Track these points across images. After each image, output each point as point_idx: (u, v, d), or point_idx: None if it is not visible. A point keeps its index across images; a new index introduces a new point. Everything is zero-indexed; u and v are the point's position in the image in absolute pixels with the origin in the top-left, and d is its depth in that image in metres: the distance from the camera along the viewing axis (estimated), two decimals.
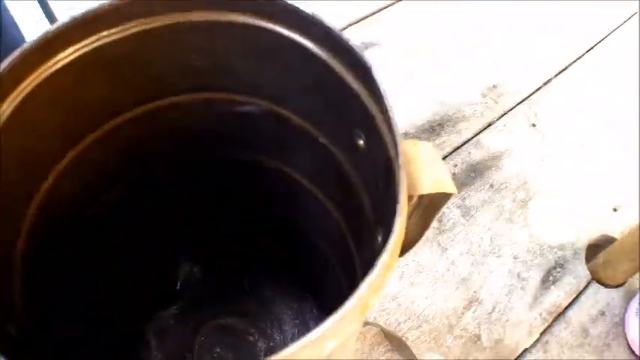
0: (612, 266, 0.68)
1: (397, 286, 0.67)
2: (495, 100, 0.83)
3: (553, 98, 0.84)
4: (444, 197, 0.36)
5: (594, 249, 0.71)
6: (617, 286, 0.69)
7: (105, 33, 0.37)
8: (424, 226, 0.41)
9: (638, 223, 0.63)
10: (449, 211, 0.72)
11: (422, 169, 0.35)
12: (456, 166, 0.76)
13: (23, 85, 0.35)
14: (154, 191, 0.44)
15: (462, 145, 0.77)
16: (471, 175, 0.75)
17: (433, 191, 0.35)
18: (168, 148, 0.43)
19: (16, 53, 0.34)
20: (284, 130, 0.42)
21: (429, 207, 0.38)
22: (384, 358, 0.61)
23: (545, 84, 0.86)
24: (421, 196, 0.36)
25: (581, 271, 0.70)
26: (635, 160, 0.79)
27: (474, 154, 0.77)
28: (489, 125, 0.80)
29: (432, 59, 0.86)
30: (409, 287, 0.67)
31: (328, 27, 0.35)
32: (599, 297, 0.68)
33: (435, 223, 0.71)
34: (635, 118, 0.83)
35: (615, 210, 0.75)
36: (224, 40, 0.39)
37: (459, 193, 0.73)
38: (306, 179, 0.45)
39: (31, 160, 0.36)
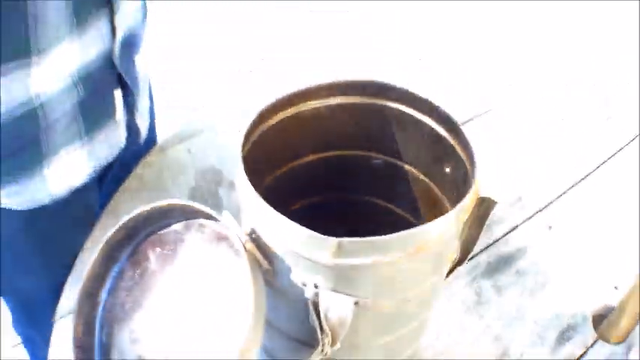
0: (615, 326, 0.91)
1: (445, 340, 0.90)
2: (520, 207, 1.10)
3: (569, 208, 1.11)
4: (492, 203, 0.63)
5: (599, 317, 0.95)
6: (620, 342, 0.93)
7: (302, 105, 0.66)
8: (478, 229, 0.66)
9: (634, 283, 0.88)
10: (485, 290, 0.97)
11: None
12: (490, 257, 1.02)
13: (261, 127, 0.64)
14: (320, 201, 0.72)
15: (494, 242, 1.04)
16: (501, 264, 1.01)
17: (487, 195, 0.61)
18: (327, 182, 0.71)
19: (258, 110, 0.63)
20: (394, 173, 0.70)
21: (483, 210, 0.64)
22: None
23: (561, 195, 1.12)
24: (481, 199, 0.62)
25: (589, 332, 0.94)
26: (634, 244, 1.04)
27: (503, 249, 1.03)
28: (516, 227, 1.07)
29: None
30: (454, 344, 0.90)
31: (435, 105, 0.64)
32: (606, 349, 0.92)
33: (474, 297, 0.95)
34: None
35: (616, 288, 1.00)
36: (372, 116, 0.68)
37: (492, 276, 0.99)
38: (401, 209, 0.73)
39: (265, 165, 0.63)
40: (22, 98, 0.77)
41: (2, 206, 0.85)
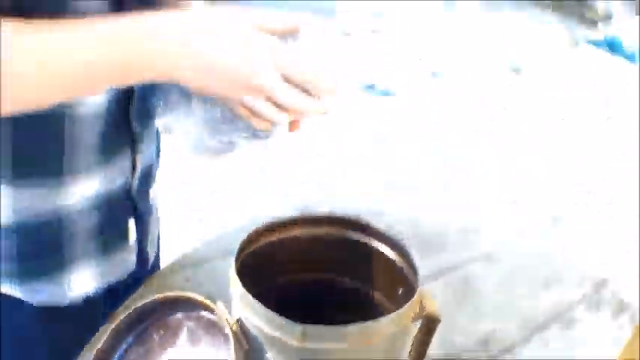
0: None
1: None
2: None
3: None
4: (437, 320, 0.78)
5: None
6: None
7: (283, 233, 0.84)
8: (424, 346, 0.82)
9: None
10: None
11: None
12: None
13: (255, 245, 0.81)
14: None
15: None
16: None
17: (432, 313, 0.77)
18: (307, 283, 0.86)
19: (250, 233, 0.80)
20: (353, 293, 0.86)
21: (429, 325, 0.80)
22: None
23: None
24: (426, 315, 0.78)
25: None
26: None
27: None
28: None
29: None
30: None
31: (388, 235, 0.81)
32: None
33: None
34: None
35: None
36: (338, 245, 0.85)
37: None
38: None
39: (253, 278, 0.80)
40: (48, 208, 0.90)
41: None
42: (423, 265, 1.24)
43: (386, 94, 5.73)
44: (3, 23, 0.71)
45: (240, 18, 0.80)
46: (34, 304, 0.95)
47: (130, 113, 0.94)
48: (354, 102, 5.45)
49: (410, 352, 0.81)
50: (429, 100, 5.51)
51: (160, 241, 1.21)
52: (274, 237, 0.83)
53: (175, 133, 0.96)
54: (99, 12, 0.81)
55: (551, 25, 10.04)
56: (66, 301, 0.97)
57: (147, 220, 1.09)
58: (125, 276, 1.05)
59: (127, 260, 1.05)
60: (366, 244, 0.84)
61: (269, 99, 0.79)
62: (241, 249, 0.77)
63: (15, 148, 0.85)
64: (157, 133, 1.11)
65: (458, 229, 1.41)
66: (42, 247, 0.93)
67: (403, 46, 7.47)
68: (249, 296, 0.69)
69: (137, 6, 0.81)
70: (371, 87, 5.89)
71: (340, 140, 4.38)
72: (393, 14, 9.21)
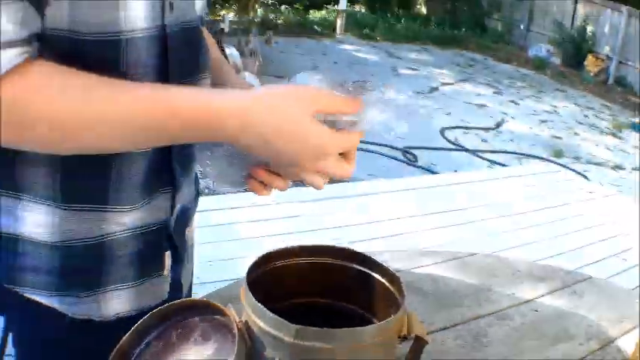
0: None
1: None
2: None
3: None
4: (424, 342, 0.89)
5: None
6: None
7: (280, 262, 0.95)
8: None
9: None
10: None
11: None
12: None
13: (263, 268, 0.93)
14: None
15: None
16: None
17: (419, 333, 0.88)
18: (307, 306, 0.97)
19: (259, 257, 0.92)
20: (349, 316, 0.97)
21: (416, 346, 0.90)
22: None
23: None
24: (415, 337, 0.88)
25: None
26: None
27: None
28: None
29: None
30: None
31: (376, 261, 0.93)
32: None
33: None
34: None
35: None
36: (331, 270, 0.96)
37: None
38: None
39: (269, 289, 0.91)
40: (92, 233, 0.98)
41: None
42: (438, 318, 1.35)
43: (429, 169, 5.93)
44: (83, 75, 0.82)
45: (302, 101, 0.87)
46: (68, 315, 1.02)
47: (172, 157, 1.03)
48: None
49: None
50: (472, 176, 5.65)
51: (193, 274, 1.33)
52: (280, 263, 0.96)
53: (202, 165, 1.04)
54: (145, 75, 0.91)
55: (595, 110, 10.21)
56: (99, 318, 1.04)
57: (182, 255, 1.16)
58: (158, 302, 1.08)
59: (160, 288, 1.10)
60: (362, 272, 0.96)
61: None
62: (251, 270, 0.89)
63: (64, 176, 0.94)
64: (196, 179, 1.21)
65: (474, 289, 1.52)
66: (83, 266, 1.01)
67: (451, 120, 7.75)
68: (254, 300, 0.81)
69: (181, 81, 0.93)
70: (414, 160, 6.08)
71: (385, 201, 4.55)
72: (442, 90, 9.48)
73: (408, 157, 6.26)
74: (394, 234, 4.05)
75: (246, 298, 0.84)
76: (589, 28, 13.86)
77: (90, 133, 0.84)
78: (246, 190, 1.00)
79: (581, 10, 14.41)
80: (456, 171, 6.04)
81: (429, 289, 1.49)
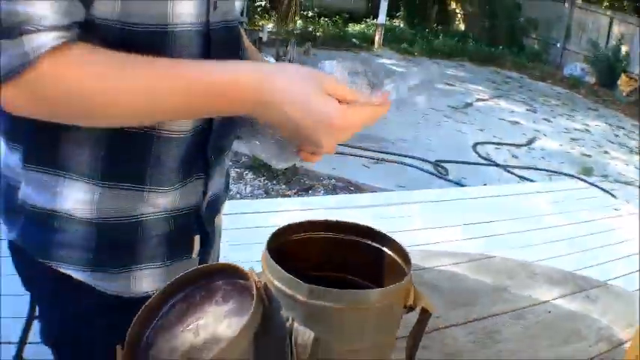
0: None
1: None
2: None
3: None
4: (428, 313, 0.96)
5: None
6: None
7: (299, 235, 1.04)
8: (419, 333, 0.99)
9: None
10: None
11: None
12: None
13: (283, 238, 1.01)
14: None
15: None
16: None
17: (424, 305, 0.96)
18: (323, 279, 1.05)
19: (280, 228, 1.00)
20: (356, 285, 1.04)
21: (421, 317, 0.98)
22: None
23: None
24: (422, 309, 0.96)
25: None
26: None
27: None
28: None
29: None
30: None
31: (389, 237, 1.01)
32: None
33: None
34: None
35: None
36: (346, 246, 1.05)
37: None
38: None
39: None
40: (127, 212, 1.03)
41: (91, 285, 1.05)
42: (453, 315, 1.42)
43: (459, 183, 5.95)
44: (115, 54, 0.88)
45: (313, 79, 0.92)
46: (100, 291, 1.06)
47: (208, 145, 1.09)
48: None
49: (407, 342, 1.00)
50: (501, 190, 5.66)
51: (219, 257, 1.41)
52: (300, 236, 1.04)
53: (258, 153, 1.06)
54: (190, 54, 0.98)
55: (626, 129, 10.14)
56: (129, 294, 1.08)
57: (211, 240, 1.21)
58: None
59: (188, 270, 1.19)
60: (374, 247, 1.05)
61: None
62: (271, 239, 0.97)
63: (106, 155, 1.00)
64: (227, 172, 1.26)
65: (490, 288, 1.59)
66: (117, 244, 1.05)
67: (484, 136, 7.78)
68: (273, 262, 0.90)
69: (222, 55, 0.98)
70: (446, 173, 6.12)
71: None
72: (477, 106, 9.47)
73: (439, 170, 6.30)
74: (422, 243, 4.09)
75: (266, 260, 0.92)
76: (623, 48, 13.82)
77: (118, 108, 0.90)
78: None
79: (617, 29, 14.41)
80: (485, 185, 6.07)
81: (445, 287, 1.55)
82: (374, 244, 1.05)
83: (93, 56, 0.88)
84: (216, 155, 1.13)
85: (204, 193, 1.13)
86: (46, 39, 0.83)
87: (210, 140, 1.09)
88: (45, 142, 1.00)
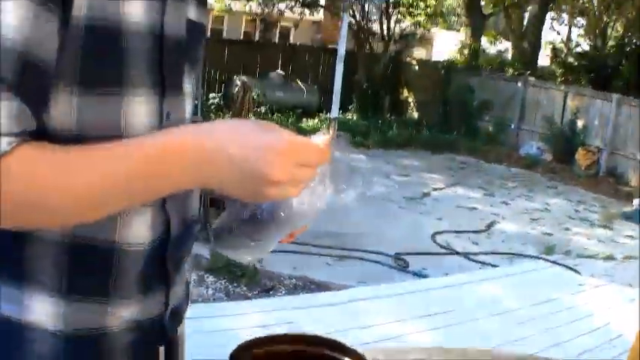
0: None
1: None
2: None
3: None
4: None
5: None
6: None
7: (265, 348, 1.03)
8: None
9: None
10: None
11: None
12: None
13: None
14: None
15: None
16: None
17: None
18: None
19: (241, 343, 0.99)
20: None
21: None
22: None
23: None
24: None
25: None
26: None
27: None
28: None
29: None
30: None
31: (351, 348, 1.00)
32: None
33: None
34: None
35: None
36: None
37: None
38: None
39: None
40: (92, 322, 1.03)
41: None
42: None
43: (420, 274, 5.95)
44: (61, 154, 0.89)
45: (251, 121, 0.94)
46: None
47: (166, 256, 1.09)
48: None
49: None
50: (461, 279, 5.67)
51: None
52: (263, 350, 1.06)
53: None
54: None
55: (587, 203, 10.31)
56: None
57: (175, 350, 1.20)
58: None
59: None
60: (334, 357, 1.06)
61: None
62: (235, 353, 0.98)
63: (69, 266, 1.00)
64: (187, 282, 1.25)
65: None
66: (82, 356, 1.04)
67: (442, 224, 7.84)
68: None
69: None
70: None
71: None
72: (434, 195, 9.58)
73: (399, 263, 6.30)
74: (385, 338, 4.06)
75: None
76: (579, 122, 14.11)
77: (65, 208, 0.89)
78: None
79: (571, 103, 14.68)
80: (447, 274, 6.07)
81: None
82: (336, 355, 1.06)
83: (38, 160, 0.87)
84: (175, 265, 1.14)
85: (166, 304, 1.13)
86: None
87: (169, 251, 1.09)
88: (9, 255, 1.00)
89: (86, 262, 1.02)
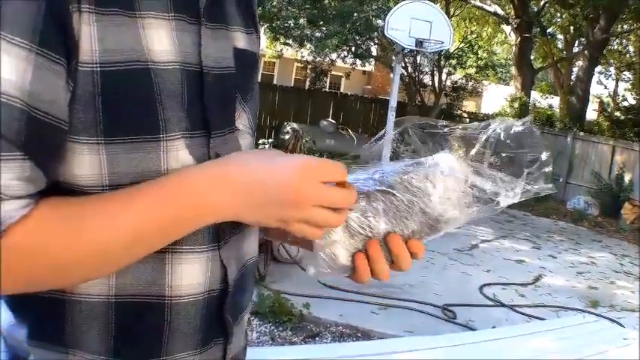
0: None
1: None
2: None
3: None
4: None
5: None
6: None
7: None
8: None
9: None
10: None
11: None
12: None
13: None
14: None
15: None
16: None
17: None
18: None
19: None
20: None
21: None
22: None
23: None
24: None
25: None
26: None
27: None
28: None
29: None
30: None
31: None
32: None
33: None
34: None
35: None
36: None
37: None
38: None
39: None
40: None
41: None
42: None
43: (467, 326, 6.06)
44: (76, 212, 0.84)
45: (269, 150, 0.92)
46: None
47: (225, 308, 1.02)
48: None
49: None
50: (508, 332, 5.77)
51: None
52: None
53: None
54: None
55: (631, 257, 10.28)
56: None
57: None
58: None
59: None
60: None
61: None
62: None
63: (118, 329, 0.93)
64: (246, 331, 1.17)
65: None
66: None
67: (490, 277, 7.90)
68: None
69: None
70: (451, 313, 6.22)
71: None
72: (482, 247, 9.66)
73: (447, 314, 6.43)
74: None
75: None
76: (627, 177, 14.14)
77: (89, 265, 0.86)
78: None
79: (619, 158, 14.78)
80: (494, 327, 6.17)
81: None
82: None
83: (54, 218, 0.83)
84: (234, 317, 1.06)
85: (224, 357, 1.06)
86: (11, 208, 0.78)
87: (227, 301, 1.02)
88: (51, 318, 0.94)
89: (134, 320, 0.95)
